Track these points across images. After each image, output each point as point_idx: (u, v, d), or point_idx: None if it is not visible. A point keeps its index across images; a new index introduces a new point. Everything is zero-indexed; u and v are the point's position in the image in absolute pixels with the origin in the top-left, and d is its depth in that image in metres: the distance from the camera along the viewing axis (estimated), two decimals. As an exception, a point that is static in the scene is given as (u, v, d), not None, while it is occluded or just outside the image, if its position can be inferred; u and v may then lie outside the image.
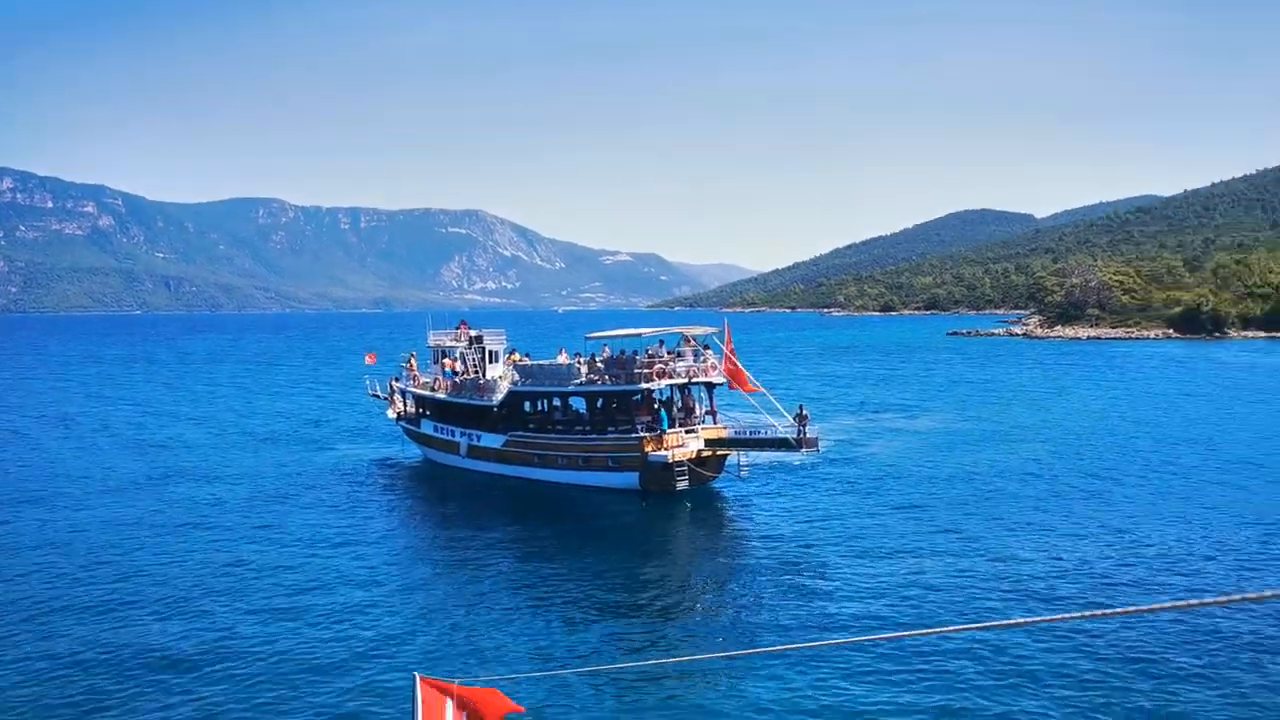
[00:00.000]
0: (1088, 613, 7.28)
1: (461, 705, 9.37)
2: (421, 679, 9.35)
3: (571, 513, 39.48)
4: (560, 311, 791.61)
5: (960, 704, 19.38)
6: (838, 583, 28.14)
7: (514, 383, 46.78)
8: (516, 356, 51.01)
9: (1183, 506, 37.52)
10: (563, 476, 44.00)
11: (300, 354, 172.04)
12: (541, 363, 48.42)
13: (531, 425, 46.90)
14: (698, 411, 43.91)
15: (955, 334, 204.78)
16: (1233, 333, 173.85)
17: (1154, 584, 27.11)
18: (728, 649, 22.84)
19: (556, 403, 47.51)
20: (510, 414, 46.86)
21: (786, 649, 22.19)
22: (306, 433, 64.21)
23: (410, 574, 30.65)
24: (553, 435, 45.55)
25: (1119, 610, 6.99)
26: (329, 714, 19.83)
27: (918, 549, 31.71)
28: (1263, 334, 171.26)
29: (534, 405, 48.01)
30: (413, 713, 9.08)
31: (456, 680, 9.55)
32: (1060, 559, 29.90)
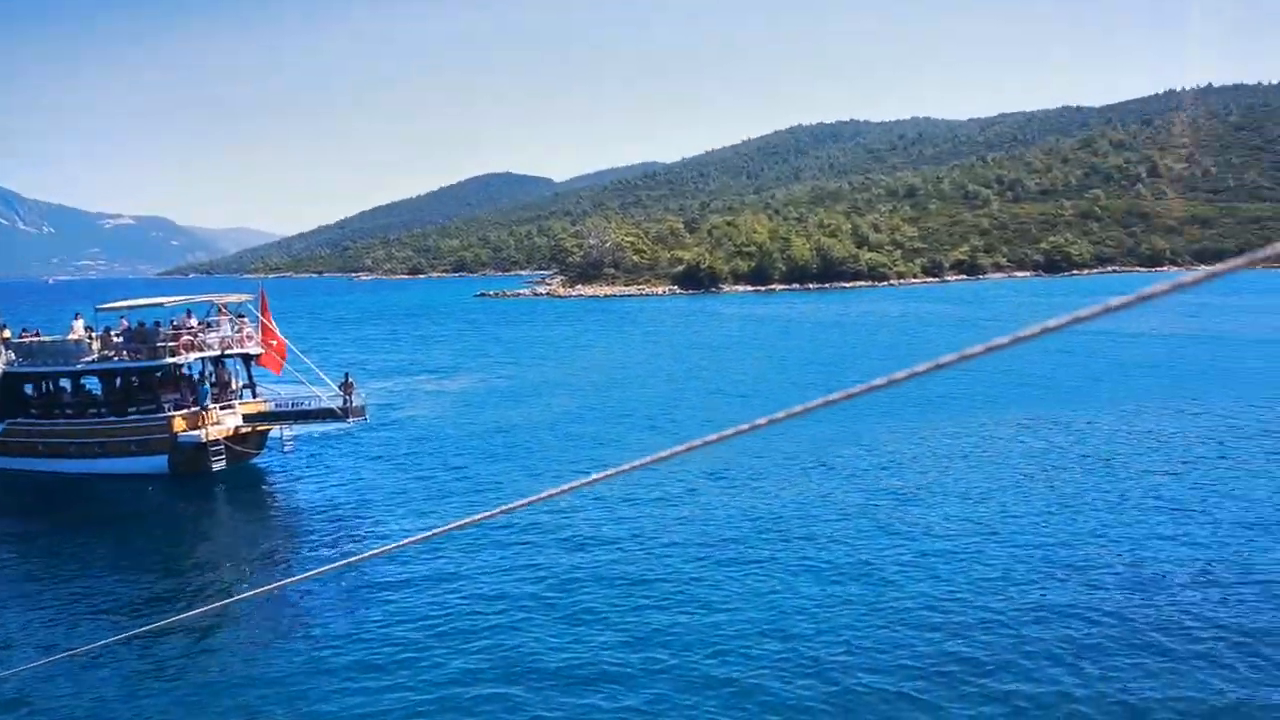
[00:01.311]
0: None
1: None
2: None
3: (84, 505, 35.92)
4: (50, 282, 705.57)
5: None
6: (382, 538, 28.25)
7: (8, 363, 41.54)
8: (8, 334, 44.96)
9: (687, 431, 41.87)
10: (77, 466, 39.77)
11: None
12: (43, 339, 43.33)
13: (34, 411, 41.90)
14: (234, 385, 41.62)
15: (484, 295, 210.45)
16: (726, 288, 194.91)
17: (659, 502, 30.14)
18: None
19: (65, 384, 42.76)
20: (6, 399, 41.61)
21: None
22: None
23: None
24: (62, 421, 41.05)
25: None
26: None
27: (459, 505, 32.65)
28: (750, 288, 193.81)
29: (36, 388, 42.89)
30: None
31: None
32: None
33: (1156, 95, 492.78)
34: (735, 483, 34.08)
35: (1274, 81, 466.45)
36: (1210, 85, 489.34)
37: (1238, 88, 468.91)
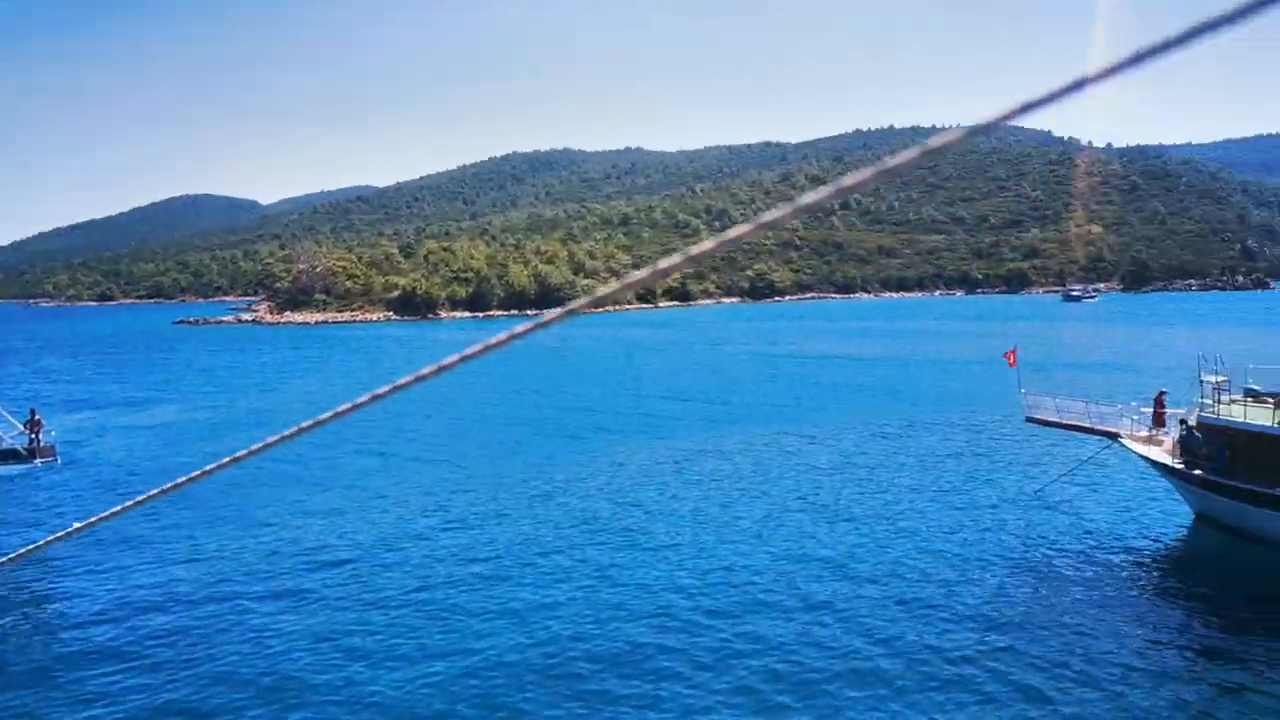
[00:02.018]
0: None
1: None
2: None
3: None
4: None
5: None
6: (86, 595, 24.91)
7: None
8: None
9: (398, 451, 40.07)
10: None
11: None
12: None
13: None
14: None
15: (183, 322, 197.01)
16: (444, 313, 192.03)
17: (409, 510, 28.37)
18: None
19: None
20: None
21: None
22: None
23: None
24: None
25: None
26: None
27: (160, 550, 29.37)
28: (469, 314, 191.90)
29: None
30: None
31: None
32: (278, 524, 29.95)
33: (845, 134, 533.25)
34: (446, 508, 32.66)
35: (944, 124, 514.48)
36: (892, 126, 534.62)
37: (915, 129, 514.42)
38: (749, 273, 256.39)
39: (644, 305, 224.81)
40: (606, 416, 55.86)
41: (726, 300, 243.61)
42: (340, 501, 35.81)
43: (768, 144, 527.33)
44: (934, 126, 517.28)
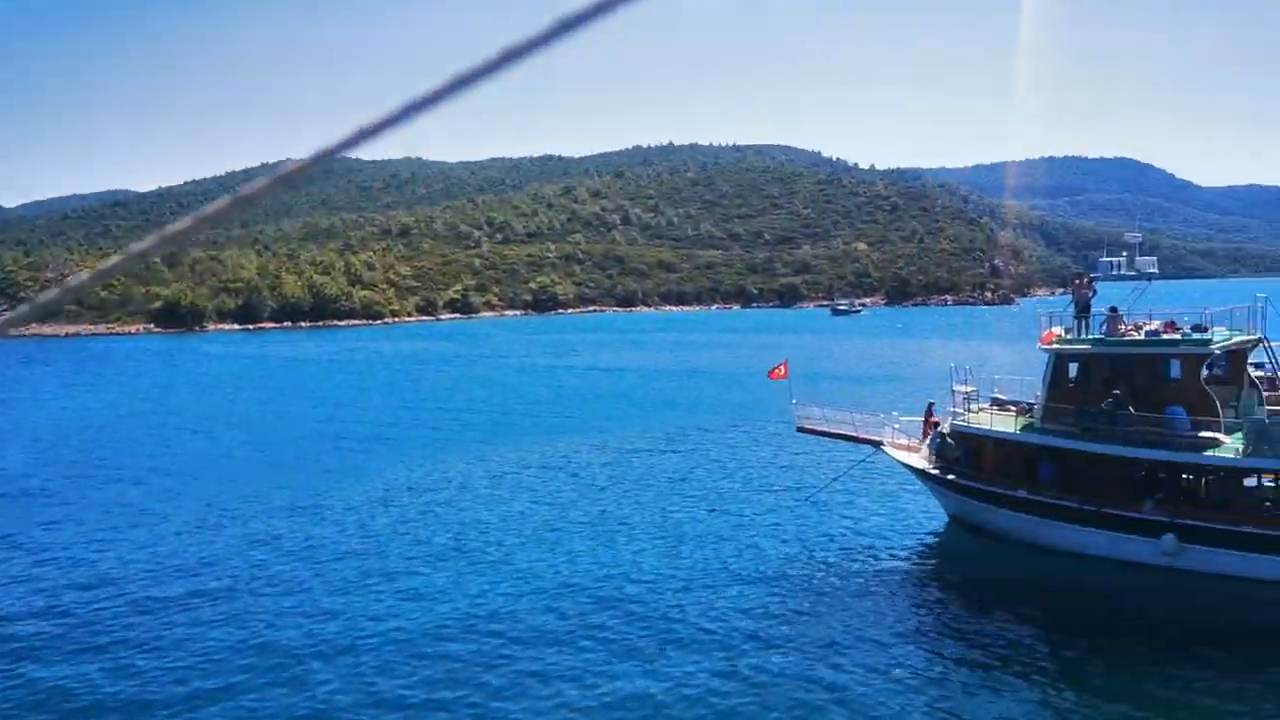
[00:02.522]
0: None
1: None
2: None
3: None
4: None
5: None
6: None
7: None
8: None
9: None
10: None
11: None
12: None
13: None
14: None
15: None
16: (211, 326, 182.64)
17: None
18: None
19: None
20: None
21: None
22: None
23: None
24: None
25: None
26: None
27: None
28: (238, 326, 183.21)
29: None
30: None
31: None
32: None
33: (625, 150, 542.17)
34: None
35: (723, 143, 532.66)
36: (671, 144, 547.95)
37: (693, 147, 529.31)
38: (532, 285, 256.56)
39: (424, 318, 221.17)
40: (389, 430, 54.45)
41: (510, 313, 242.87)
42: (96, 523, 33.31)
43: (550, 157, 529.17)
44: (710, 144, 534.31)
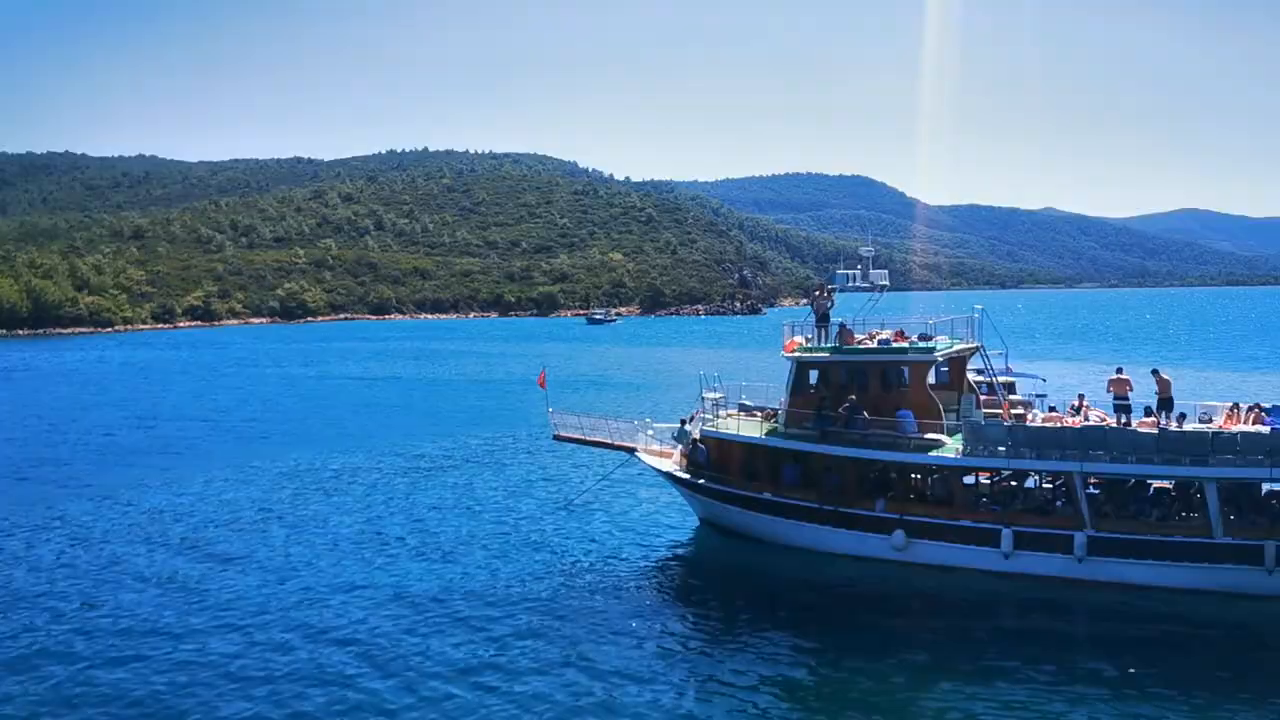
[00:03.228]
0: None
1: None
2: None
3: None
4: None
5: None
6: None
7: None
8: None
9: None
10: None
11: None
12: None
13: None
14: None
15: None
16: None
17: None
18: None
19: None
20: None
21: None
22: None
23: None
24: None
25: None
26: None
27: None
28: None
29: None
30: None
31: None
32: None
33: (379, 154, 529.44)
34: None
35: (479, 150, 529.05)
36: (427, 149, 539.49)
37: (449, 153, 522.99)
38: (279, 292, 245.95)
39: (161, 325, 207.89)
40: (114, 446, 50.70)
41: (256, 320, 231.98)
42: None
43: (299, 159, 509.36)
44: (467, 151, 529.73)
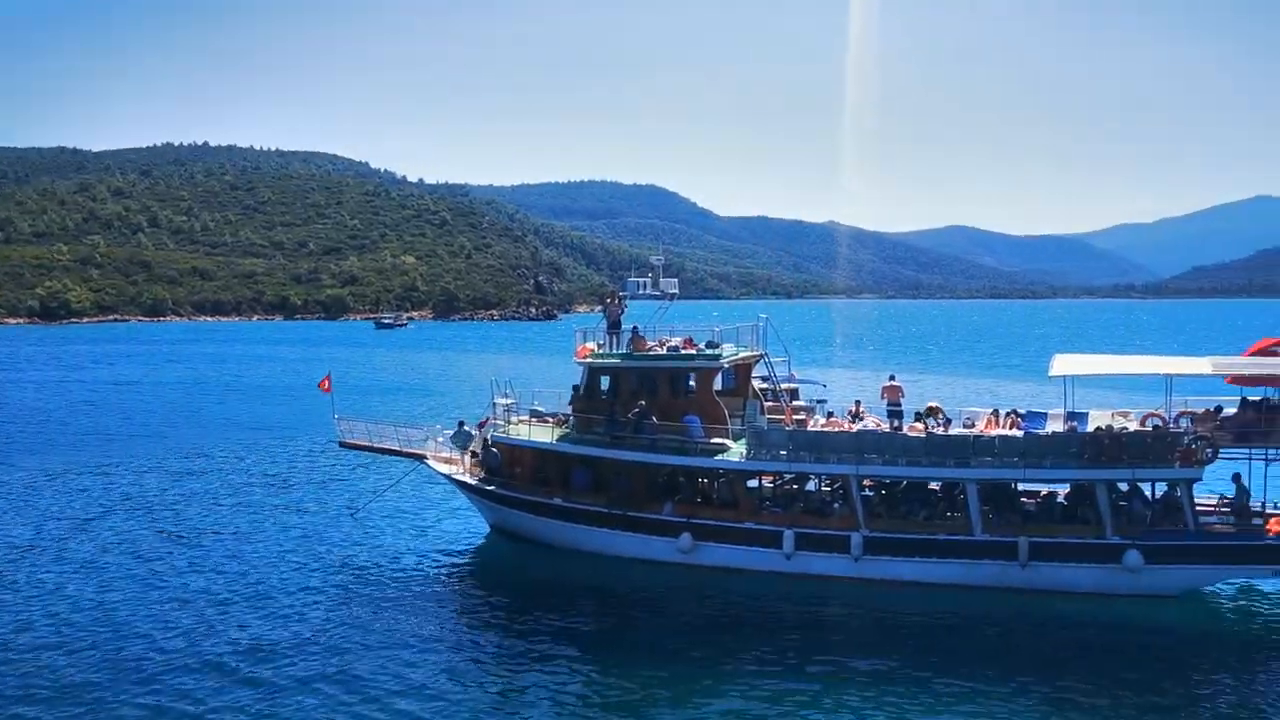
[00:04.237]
0: None
1: None
2: None
3: None
4: None
5: None
6: None
7: None
8: None
9: None
10: None
11: None
12: None
13: None
14: None
15: None
16: None
17: None
18: None
19: None
20: None
21: None
22: None
23: None
24: None
25: None
26: None
27: None
28: None
29: None
30: None
31: None
32: None
33: (155, 147, 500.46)
34: None
35: (264, 147, 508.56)
36: (207, 144, 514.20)
37: (231, 149, 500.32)
38: (39, 291, 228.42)
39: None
40: None
41: (10, 321, 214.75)
42: None
43: (63, 149, 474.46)
44: (251, 147, 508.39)
